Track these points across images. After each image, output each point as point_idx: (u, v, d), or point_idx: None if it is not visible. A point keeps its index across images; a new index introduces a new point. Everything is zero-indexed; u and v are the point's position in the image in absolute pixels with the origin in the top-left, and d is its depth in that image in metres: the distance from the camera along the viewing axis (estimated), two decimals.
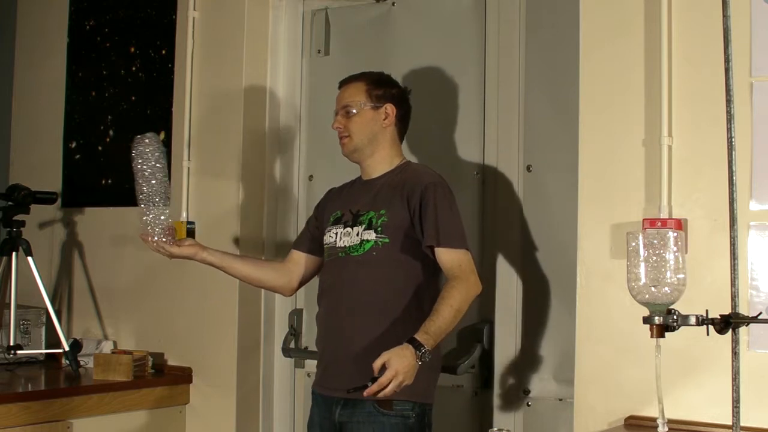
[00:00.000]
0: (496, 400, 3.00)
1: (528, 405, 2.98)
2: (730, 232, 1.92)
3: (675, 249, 1.81)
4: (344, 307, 2.64)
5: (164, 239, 2.72)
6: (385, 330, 2.56)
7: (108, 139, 3.79)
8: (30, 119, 4.11)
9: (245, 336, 3.40)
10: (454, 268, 2.54)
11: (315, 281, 2.88)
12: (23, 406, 2.97)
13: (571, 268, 2.60)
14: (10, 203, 3.48)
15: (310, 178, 3.54)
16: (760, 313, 2.19)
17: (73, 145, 3.91)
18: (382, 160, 2.74)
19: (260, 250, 3.46)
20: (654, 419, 1.91)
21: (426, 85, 3.21)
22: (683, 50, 2.46)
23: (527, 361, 2.98)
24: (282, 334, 3.49)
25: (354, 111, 2.71)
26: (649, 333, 1.82)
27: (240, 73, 3.44)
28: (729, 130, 1.92)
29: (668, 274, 1.80)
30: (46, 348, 3.65)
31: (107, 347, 3.59)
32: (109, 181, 3.77)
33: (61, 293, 3.86)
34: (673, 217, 2.42)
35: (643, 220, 2.47)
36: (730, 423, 1.84)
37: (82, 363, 3.45)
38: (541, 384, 2.96)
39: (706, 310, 1.80)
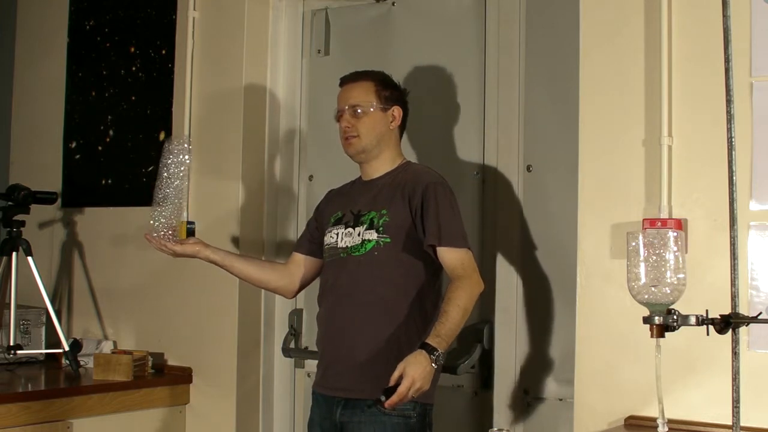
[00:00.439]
0: (496, 400, 3.00)
1: (528, 405, 2.98)
2: (730, 232, 1.92)
3: (675, 249, 1.81)
4: (345, 307, 2.63)
5: (168, 237, 2.73)
6: (386, 330, 2.56)
7: (108, 139, 3.79)
8: (30, 119, 4.11)
9: (245, 336, 3.40)
10: (457, 268, 2.54)
11: (315, 281, 2.88)
12: (23, 406, 2.97)
13: (571, 268, 2.60)
14: (10, 203, 3.48)
15: (310, 178, 3.53)
16: (760, 313, 2.19)
17: (73, 145, 3.91)
18: (385, 161, 2.74)
19: (260, 250, 3.46)
20: (654, 419, 1.91)
21: (426, 85, 3.21)
22: (683, 50, 2.45)
23: (527, 361, 2.98)
24: (282, 334, 3.49)
25: (363, 111, 2.70)
26: (649, 333, 1.82)
27: (240, 73, 3.44)
28: (729, 130, 1.92)
29: (668, 274, 1.80)
30: (46, 348, 3.65)
31: (107, 347, 3.59)
32: (109, 181, 3.77)
33: (61, 293, 3.86)
34: (673, 217, 2.42)
35: (643, 220, 2.46)
36: (730, 423, 1.84)
37: (82, 363, 3.44)
38: (541, 384, 2.96)
39: (706, 310, 1.80)
